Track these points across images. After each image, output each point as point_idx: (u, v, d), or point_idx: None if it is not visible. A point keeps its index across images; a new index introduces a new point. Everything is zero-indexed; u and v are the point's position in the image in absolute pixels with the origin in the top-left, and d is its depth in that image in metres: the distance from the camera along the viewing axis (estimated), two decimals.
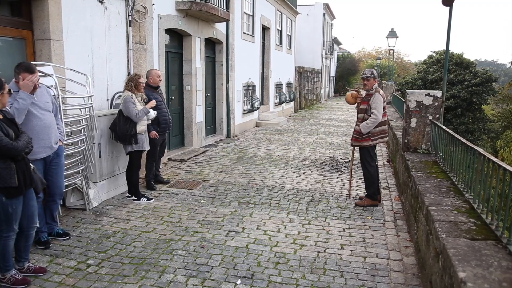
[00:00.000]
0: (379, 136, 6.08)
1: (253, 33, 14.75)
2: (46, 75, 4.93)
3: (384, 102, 6.07)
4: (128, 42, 7.14)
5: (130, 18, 7.10)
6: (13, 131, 3.53)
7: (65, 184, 4.84)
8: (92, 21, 6.27)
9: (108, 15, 6.62)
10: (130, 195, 6.20)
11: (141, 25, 7.46)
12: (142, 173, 6.81)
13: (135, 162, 6.12)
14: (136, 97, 5.92)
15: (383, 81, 30.03)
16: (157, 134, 6.57)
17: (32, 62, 5.10)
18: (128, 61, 7.18)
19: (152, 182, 6.85)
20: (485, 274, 2.51)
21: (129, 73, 7.17)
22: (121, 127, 5.83)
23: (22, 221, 3.71)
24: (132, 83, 5.93)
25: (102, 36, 6.51)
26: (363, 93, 6.38)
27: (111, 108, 6.75)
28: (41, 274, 3.89)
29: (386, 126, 6.14)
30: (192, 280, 3.90)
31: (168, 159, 8.89)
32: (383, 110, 6.03)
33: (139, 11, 7.32)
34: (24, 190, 3.56)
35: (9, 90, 3.55)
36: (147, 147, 6.19)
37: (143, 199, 6.11)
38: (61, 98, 4.88)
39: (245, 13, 13.86)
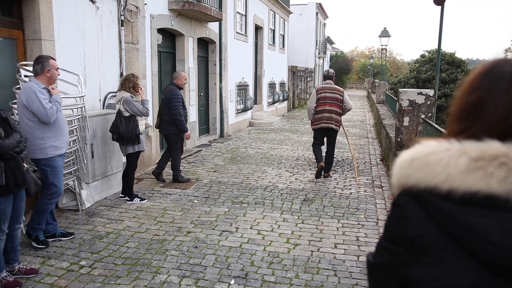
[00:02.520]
0: (315, 123, 7.71)
1: (246, 33, 14.74)
2: None
3: (316, 95, 7.71)
4: (120, 42, 7.10)
5: (122, 18, 7.06)
6: (5, 130, 3.50)
7: None
8: (84, 21, 6.23)
9: (100, 15, 6.58)
10: (123, 195, 6.17)
11: (134, 25, 7.42)
12: (137, 174, 6.78)
13: (133, 163, 6.10)
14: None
15: (376, 80, 30.10)
16: (189, 135, 7.05)
17: (23, 62, 5.07)
18: (120, 61, 7.14)
19: (182, 175, 7.27)
20: None
21: (121, 73, 7.13)
22: (126, 128, 5.78)
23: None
24: (129, 84, 5.88)
25: (94, 36, 6.47)
26: None
27: (103, 108, 6.71)
28: (33, 275, 3.86)
29: (321, 115, 7.60)
30: (185, 280, 3.89)
31: None
32: (315, 103, 7.68)
33: (131, 10, 7.28)
34: (14, 189, 3.52)
35: None
36: (145, 147, 6.20)
37: (136, 200, 6.09)
38: None
39: (238, 12, 13.84)
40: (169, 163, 7.32)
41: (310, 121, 7.99)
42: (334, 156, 8.37)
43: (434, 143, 1.00)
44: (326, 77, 8.07)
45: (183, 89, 7.32)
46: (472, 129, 0.98)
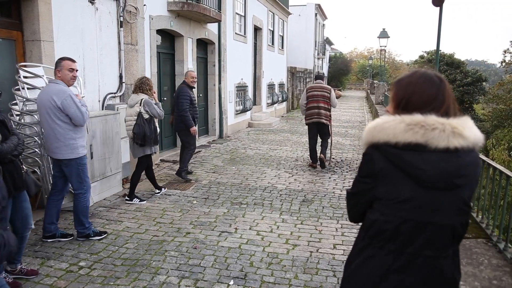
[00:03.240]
0: (307, 118, 8.60)
1: (245, 34, 14.75)
2: (36, 76, 4.90)
3: (307, 93, 8.59)
4: (119, 43, 7.11)
5: (121, 19, 7.06)
6: (3, 133, 3.49)
7: None
8: (83, 22, 6.23)
9: (99, 16, 6.59)
10: (129, 198, 6.15)
11: (133, 26, 7.43)
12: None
13: (144, 164, 6.20)
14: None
15: (375, 81, 30.14)
16: (196, 130, 7.30)
17: (22, 63, 5.07)
18: (119, 62, 7.15)
19: (185, 174, 7.48)
20: (475, 272, 2.54)
21: (120, 74, 7.14)
22: (149, 130, 5.93)
23: (16, 223, 3.69)
24: (147, 86, 6.03)
25: (93, 37, 6.48)
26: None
27: (102, 109, 6.71)
28: (33, 276, 3.86)
29: (311, 111, 8.48)
30: (184, 281, 3.89)
31: (161, 160, 8.87)
32: (305, 100, 8.57)
33: (130, 11, 7.29)
34: (13, 192, 3.53)
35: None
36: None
37: (136, 200, 6.09)
38: None
39: (237, 13, 13.85)
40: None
41: (303, 116, 8.92)
42: (333, 156, 8.73)
43: (385, 117, 1.72)
44: (317, 77, 9.21)
45: (194, 87, 7.51)
46: (406, 108, 1.71)
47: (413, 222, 1.67)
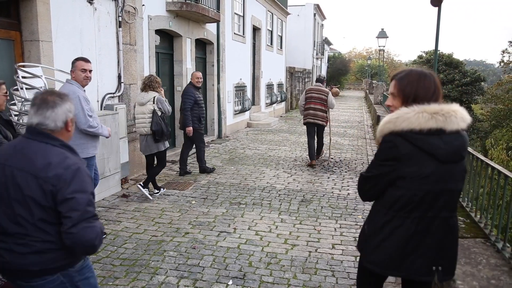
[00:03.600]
0: (304, 118, 9.00)
1: (243, 34, 14.75)
2: (35, 76, 4.89)
3: (305, 94, 9.01)
4: (118, 43, 7.10)
5: (120, 19, 7.06)
6: (11, 133, 3.50)
7: None
8: (82, 22, 6.22)
9: (97, 16, 6.58)
10: (143, 185, 6.35)
11: (131, 26, 7.42)
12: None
13: (164, 159, 6.48)
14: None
15: (374, 81, 30.15)
16: (191, 131, 7.55)
17: (20, 63, 5.07)
18: (118, 62, 7.14)
19: (208, 166, 8.01)
20: (474, 272, 2.54)
21: (119, 74, 7.14)
22: (165, 126, 6.19)
23: None
24: (156, 84, 6.20)
25: (91, 37, 6.47)
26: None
27: (101, 109, 6.71)
28: None
29: (308, 112, 8.87)
30: (183, 281, 3.89)
31: None
32: (304, 101, 8.97)
33: (129, 11, 7.29)
34: None
35: (6, 92, 3.52)
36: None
37: (162, 190, 6.58)
38: None
39: (235, 13, 13.85)
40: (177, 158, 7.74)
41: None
42: (332, 156, 9.03)
43: (405, 109, 2.06)
44: (317, 80, 9.51)
45: (200, 88, 7.76)
46: (415, 101, 2.08)
47: (433, 192, 2.06)
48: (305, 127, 9.17)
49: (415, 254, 2.12)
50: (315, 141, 9.10)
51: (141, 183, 6.36)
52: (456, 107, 2.07)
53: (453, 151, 2.05)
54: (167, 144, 6.41)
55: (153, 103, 6.09)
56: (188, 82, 7.89)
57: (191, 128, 7.48)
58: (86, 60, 4.51)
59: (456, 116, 2.04)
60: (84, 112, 4.40)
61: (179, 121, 7.89)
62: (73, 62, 4.48)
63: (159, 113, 6.11)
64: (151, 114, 6.08)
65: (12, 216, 2.02)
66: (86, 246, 2.00)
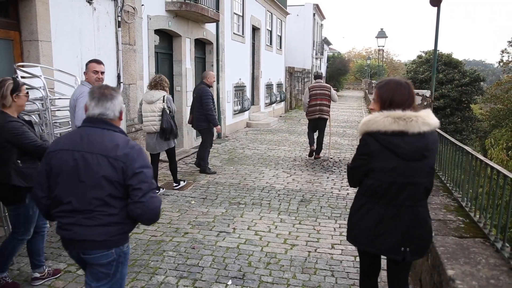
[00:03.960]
0: (310, 114, 9.46)
1: (243, 34, 14.75)
2: (34, 76, 4.88)
3: (309, 92, 9.40)
4: (117, 43, 7.10)
5: (119, 19, 7.06)
6: (33, 133, 3.58)
7: None
8: (81, 22, 6.22)
9: (97, 16, 6.58)
10: (176, 184, 6.92)
11: (131, 26, 7.42)
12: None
13: (174, 155, 6.79)
14: None
15: (373, 81, 30.15)
16: (220, 129, 8.29)
17: (20, 63, 5.06)
18: (117, 62, 7.14)
19: (209, 168, 8.12)
20: (473, 272, 2.54)
21: (118, 74, 7.14)
22: (174, 124, 6.41)
23: (38, 221, 3.71)
24: (165, 83, 6.44)
25: (91, 37, 6.47)
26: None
27: None
28: (58, 275, 3.90)
29: (314, 108, 9.33)
30: (183, 281, 3.89)
31: None
32: (308, 98, 9.37)
33: (128, 11, 7.28)
34: None
35: (27, 93, 3.62)
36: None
37: (181, 183, 7.01)
38: (50, 99, 4.84)
39: (235, 13, 13.85)
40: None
41: (305, 113, 9.79)
42: (331, 156, 9.03)
43: (376, 113, 2.48)
44: (316, 76, 9.96)
45: (212, 87, 7.97)
46: (389, 107, 2.47)
47: (398, 183, 2.50)
48: (306, 126, 9.56)
49: (385, 234, 2.55)
50: (315, 134, 9.65)
51: (174, 184, 6.89)
52: (420, 113, 2.44)
53: (414, 150, 2.43)
54: (176, 141, 6.63)
55: (163, 101, 6.24)
56: (200, 82, 7.99)
57: (219, 126, 8.03)
58: (98, 62, 4.61)
59: (417, 121, 2.40)
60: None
61: (189, 120, 8.08)
62: (87, 64, 4.60)
63: (168, 112, 6.27)
64: (161, 112, 6.23)
65: (82, 194, 2.33)
66: (153, 213, 2.36)
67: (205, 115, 7.59)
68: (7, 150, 3.37)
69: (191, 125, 8.16)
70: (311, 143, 9.63)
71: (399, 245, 2.54)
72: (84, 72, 4.59)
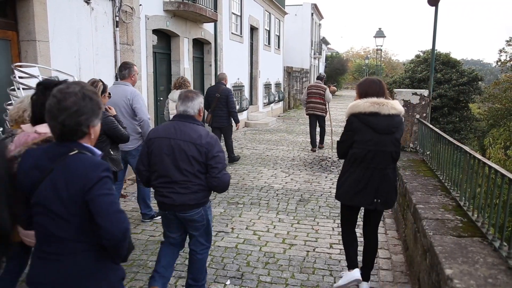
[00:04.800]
0: (307, 110, 10.74)
1: (241, 34, 14.74)
2: (32, 76, 4.87)
3: (307, 90, 10.78)
4: (115, 43, 7.09)
5: (117, 19, 7.05)
6: None
7: None
8: (79, 22, 6.21)
9: (94, 16, 6.57)
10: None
11: (129, 26, 7.41)
12: None
13: None
14: None
15: None
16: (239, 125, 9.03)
17: (17, 64, 5.05)
18: (115, 62, 7.13)
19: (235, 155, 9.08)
20: (471, 271, 2.54)
21: (116, 74, 7.11)
22: None
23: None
24: (188, 83, 6.93)
25: (89, 37, 6.46)
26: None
27: None
28: None
29: (309, 105, 10.60)
30: (181, 281, 3.89)
31: None
32: (306, 96, 10.72)
33: (126, 11, 7.27)
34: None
35: (109, 94, 4.39)
36: None
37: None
38: None
39: (233, 13, 13.84)
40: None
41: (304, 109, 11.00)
42: (330, 156, 9.13)
43: (359, 100, 3.49)
44: (318, 77, 11.21)
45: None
46: (365, 96, 3.50)
47: (373, 151, 3.41)
48: (307, 120, 10.95)
49: (363, 191, 3.46)
50: (317, 131, 10.71)
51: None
52: (389, 101, 3.42)
53: (384, 127, 3.37)
54: None
55: None
56: (218, 83, 8.70)
57: (239, 123, 8.88)
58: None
59: (387, 105, 3.36)
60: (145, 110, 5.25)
61: (207, 119, 8.55)
62: (131, 67, 5.22)
63: None
64: None
65: (179, 170, 3.13)
66: (225, 185, 3.24)
67: (228, 113, 8.38)
68: (103, 141, 4.07)
69: (208, 124, 8.52)
70: (312, 143, 10.71)
71: (372, 198, 3.45)
72: (133, 75, 5.23)
